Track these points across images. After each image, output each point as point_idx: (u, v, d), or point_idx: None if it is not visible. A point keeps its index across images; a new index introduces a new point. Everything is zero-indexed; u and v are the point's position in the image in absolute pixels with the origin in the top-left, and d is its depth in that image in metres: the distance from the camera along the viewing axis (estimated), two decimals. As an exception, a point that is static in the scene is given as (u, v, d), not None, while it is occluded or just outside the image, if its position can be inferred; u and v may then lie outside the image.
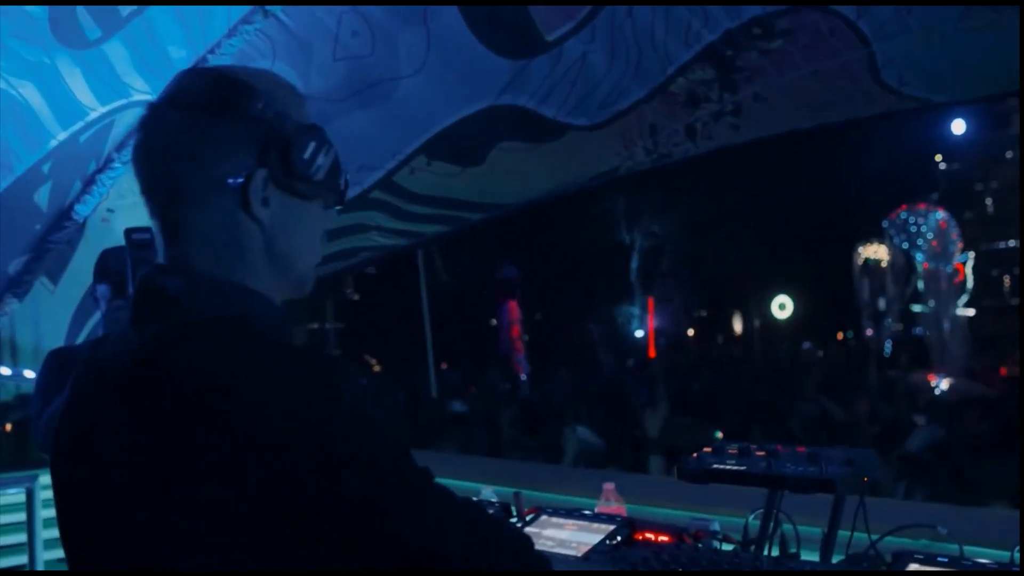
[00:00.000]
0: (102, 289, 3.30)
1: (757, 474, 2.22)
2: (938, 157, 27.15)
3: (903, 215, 18.07)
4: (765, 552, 2.31)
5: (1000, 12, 3.48)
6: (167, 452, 1.18)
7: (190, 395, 1.17)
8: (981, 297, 20.40)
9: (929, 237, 17.83)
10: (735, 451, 2.33)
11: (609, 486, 3.00)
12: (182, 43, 3.93)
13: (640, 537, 2.46)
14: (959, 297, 18.58)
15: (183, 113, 1.31)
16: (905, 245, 18.01)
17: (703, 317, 31.13)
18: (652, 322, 26.83)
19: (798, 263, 25.42)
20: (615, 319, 26.27)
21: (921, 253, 17.87)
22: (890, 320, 19.45)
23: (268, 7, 3.87)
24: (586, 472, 6.49)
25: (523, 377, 21.61)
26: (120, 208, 4.53)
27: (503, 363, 22.58)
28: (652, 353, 26.15)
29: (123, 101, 4.10)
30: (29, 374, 4.73)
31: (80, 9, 3.58)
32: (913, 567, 2.06)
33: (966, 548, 2.24)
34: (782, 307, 27.23)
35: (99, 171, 4.36)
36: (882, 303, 19.39)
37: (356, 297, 28.30)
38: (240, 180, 1.30)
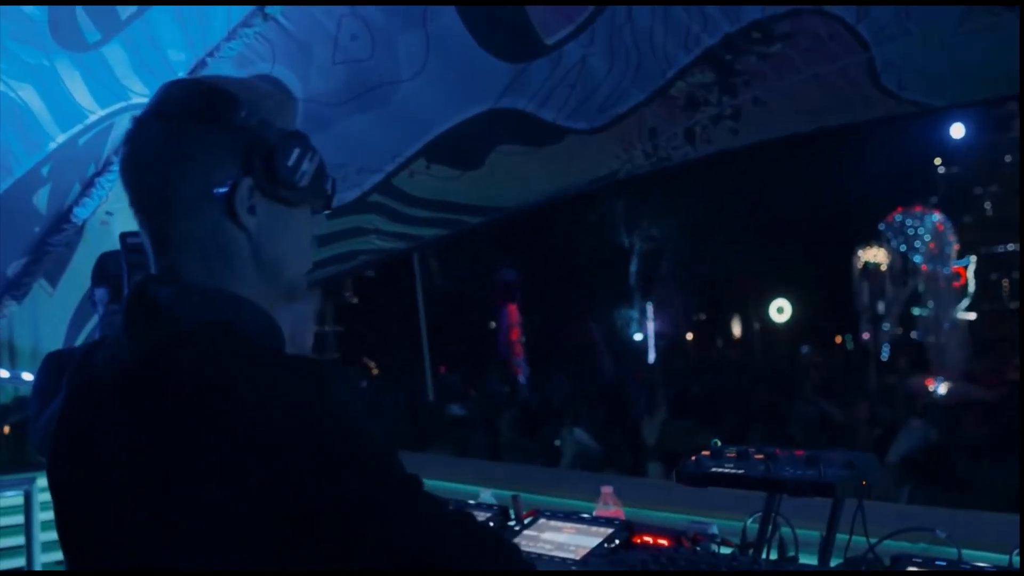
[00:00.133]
0: (100, 293, 3.31)
1: (755, 477, 2.22)
2: (937, 161, 27.12)
3: (898, 218, 18.10)
4: (763, 556, 2.31)
5: (999, 15, 3.48)
6: (159, 456, 1.20)
7: (180, 401, 1.19)
8: (981, 301, 20.38)
9: (927, 239, 17.86)
10: (733, 454, 2.33)
11: (607, 489, 2.99)
12: (181, 46, 3.93)
13: (638, 540, 2.46)
14: (960, 301, 18.60)
15: (167, 125, 1.32)
16: (903, 248, 18.03)
17: (702, 321, 31.11)
18: (651, 325, 26.84)
19: (797, 267, 25.38)
20: (614, 322, 26.27)
21: (919, 255, 17.90)
22: (889, 323, 19.45)
23: (267, 10, 3.87)
24: (584, 475, 6.49)
25: (522, 380, 21.62)
26: (119, 211, 4.53)
27: (502, 366, 22.59)
28: (651, 356, 26.16)
29: (122, 104, 4.10)
30: (27, 376, 4.73)
31: (79, 12, 3.59)
32: (912, 570, 2.06)
33: (965, 551, 2.24)
34: (780, 311, 27.19)
35: (98, 174, 4.36)
36: (881, 307, 19.40)
37: (355, 300, 28.30)
38: (226, 189, 1.31)
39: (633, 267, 26.03)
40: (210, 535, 1.17)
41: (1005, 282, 27.30)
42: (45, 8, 3.54)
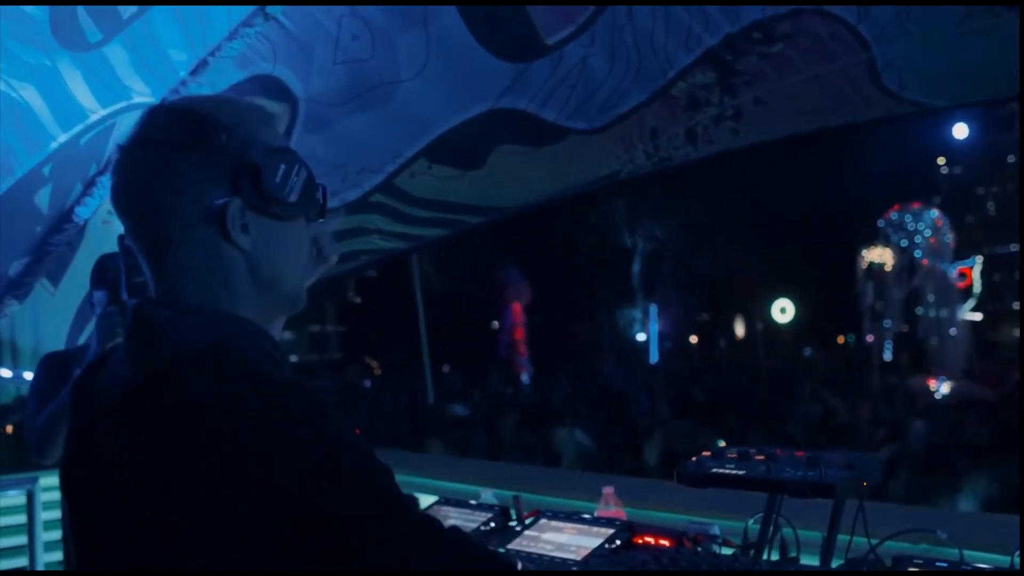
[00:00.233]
0: (98, 295, 3.31)
1: (756, 478, 2.21)
2: (940, 160, 27.12)
3: (895, 216, 18.14)
4: (764, 556, 2.30)
5: (1000, 16, 3.48)
6: (157, 478, 1.22)
7: (177, 424, 1.21)
8: (984, 301, 20.38)
9: (927, 235, 17.89)
10: (734, 455, 2.32)
11: (608, 490, 2.98)
12: (182, 46, 3.94)
13: (640, 541, 2.45)
14: (966, 301, 18.60)
15: (152, 154, 1.33)
16: (904, 243, 18.06)
17: (704, 321, 31.10)
18: (653, 326, 26.83)
19: (800, 267, 25.38)
20: (616, 323, 26.26)
21: (920, 251, 17.93)
22: (892, 323, 19.45)
23: (268, 10, 3.87)
24: (586, 476, 6.48)
25: (525, 379, 21.63)
26: (117, 214, 4.53)
27: (504, 366, 22.60)
28: (653, 357, 26.15)
29: (124, 103, 4.10)
30: (29, 376, 4.73)
31: (81, 12, 3.59)
32: (912, 571, 2.06)
33: (966, 552, 2.24)
34: (783, 311, 27.17)
35: (99, 173, 4.37)
36: (884, 306, 19.39)
37: (358, 300, 28.32)
38: (216, 212, 1.32)
39: (635, 267, 26.03)
40: (207, 554, 1.18)
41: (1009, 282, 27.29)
42: (46, 8, 3.54)
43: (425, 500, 3.07)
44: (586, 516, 2.64)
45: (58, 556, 4.77)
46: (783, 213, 23.14)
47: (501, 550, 2.53)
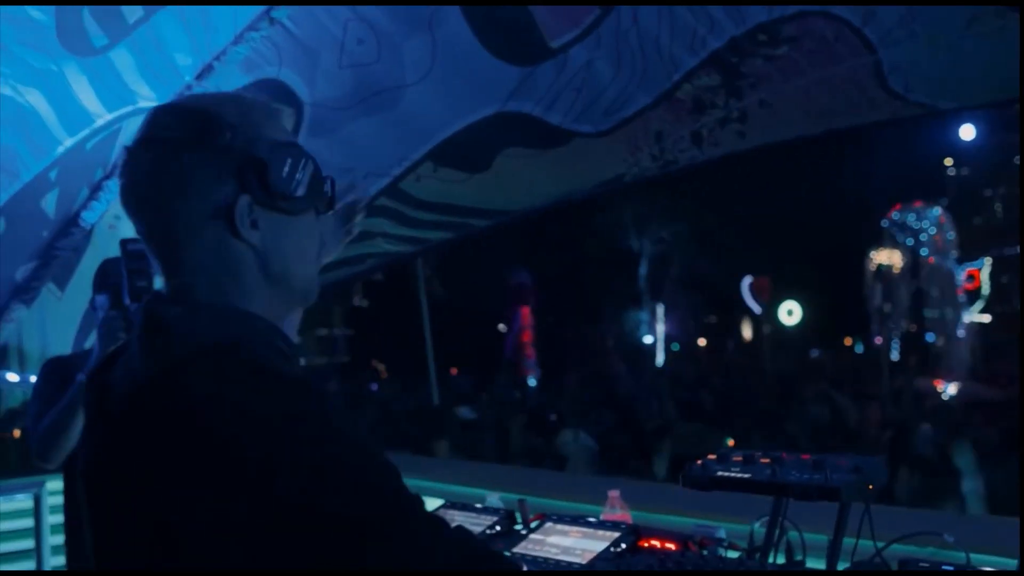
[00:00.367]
0: (100, 299, 3.32)
1: (761, 481, 2.20)
2: (948, 161, 27.05)
3: (897, 215, 18.15)
4: (770, 560, 2.30)
5: (1006, 18, 3.47)
6: (163, 476, 1.22)
7: (186, 421, 1.21)
8: (992, 303, 20.31)
9: (932, 232, 17.89)
10: (739, 458, 2.31)
11: (614, 493, 2.98)
12: (188, 50, 3.94)
13: (645, 544, 2.44)
14: (975, 303, 18.55)
15: (158, 154, 1.33)
16: (910, 242, 18.06)
17: (711, 324, 31.08)
18: (661, 328, 26.82)
19: (806, 269, 25.34)
20: (623, 325, 26.25)
21: (926, 248, 17.93)
22: (900, 324, 19.42)
23: (274, 14, 3.88)
24: (593, 479, 6.48)
25: (532, 382, 21.61)
26: (126, 215, 4.53)
27: (512, 369, 22.59)
28: (661, 359, 26.14)
29: (130, 108, 4.12)
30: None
31: (87, 16, 3.60)
32: (916, 572, 2.05)
33: (973, 556, 2.23)
34: (790, 313, 27.14)
35: (106, 178, 4.38)
36: (892, 308, 19.35)
37: (365, 304, 28.33)
38: (225, 209, 1.32)
39: (642, 270, 26.02)
40: (214, 549, 1.18)
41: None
42: (52, 13, 3.55)
43: (431, 503, 3.07)
44: (591, 519, 2.63)
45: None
46: (790, 215, 23.11)
47: (506, 553, 2.53)
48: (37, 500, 4.91)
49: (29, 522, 4.91)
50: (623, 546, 2.43)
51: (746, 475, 2.24)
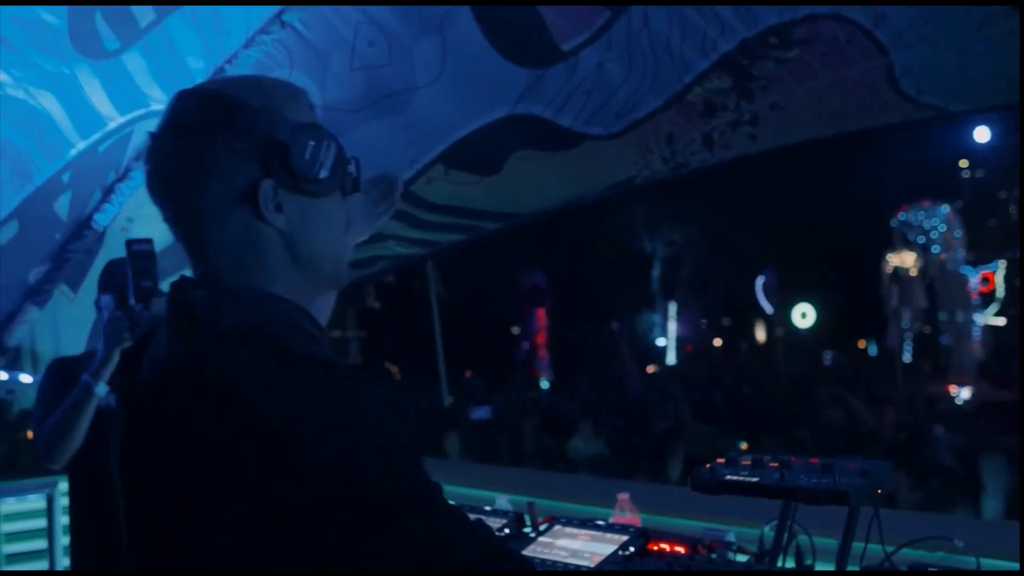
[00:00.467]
0: (106, 299, 3.33)
1: (770, 485, 2.20)
2: (963, 163, 26.92)
3: (903, 215, 18.15)
4: (779, 563, 2.29)
5: (1017, 20, 3.46)
6: (189, 459, 1.22)
7: (211, 404, 1.21)
8: (1007, 306, 20.21)
9: (942, 229, 17.88)
10: (748, 462, 2.31)
11: (624, 496, 2.98)
12: (200, 53, 3.96)
13: (654, 547, 2.44)
14: (989, 306, 18.48)
15: (181, 138, 1.33)
16: (921, 240, 18.05)
17: (724, 326, 31.01)
18: (673, 330, 26.78)
19: (820, 272, 25.26)
20: (635, 327, 26.22)
21: (937, 246, 17.91)
22: (913, 326, 19.36)
23: (285, 17, 3.89)
24: (603, 482, 6.47)
25: (545, 384, 21.61)
26: (139, 217, 4.56)
27: (525, 370, 22.59)
28: (673, 361, 26.10)
29: (142, 111, 4.13)
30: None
31: (99, 20, 3.61)
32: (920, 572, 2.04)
33: (983, 560, 2.22)
34: (804, 315, 27.05)
35: (118, 180, 4.40)
36: (906, 310, 19.29)
37: (377, 306, 28.33)
38: (248, 193, 1.32)
39: (655, 272, 26.00)
40: (237, 532, 1.18)
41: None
42: (65, 17, 3.57)
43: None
44: (600, 522, 2.63)
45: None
46: (803, 218, 23.05)
47: (516, 556, 2.53)
48: (50, 501, 4.94)
49: (42, 522, 4.93)
50: (631, 549, 2.43)
51: (754, 479, 2.24)
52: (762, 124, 4.47)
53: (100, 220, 4.47)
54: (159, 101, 4.11)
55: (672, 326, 26.90)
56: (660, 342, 26.80)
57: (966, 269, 18.27)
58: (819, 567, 2.39)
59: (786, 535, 2.32)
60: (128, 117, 4.12)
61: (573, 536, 2.58)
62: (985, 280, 18.62)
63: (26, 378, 4.98)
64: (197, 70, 4.02)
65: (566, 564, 2.43)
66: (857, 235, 21.63)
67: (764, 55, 4.03)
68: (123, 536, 1.40)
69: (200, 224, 1.34)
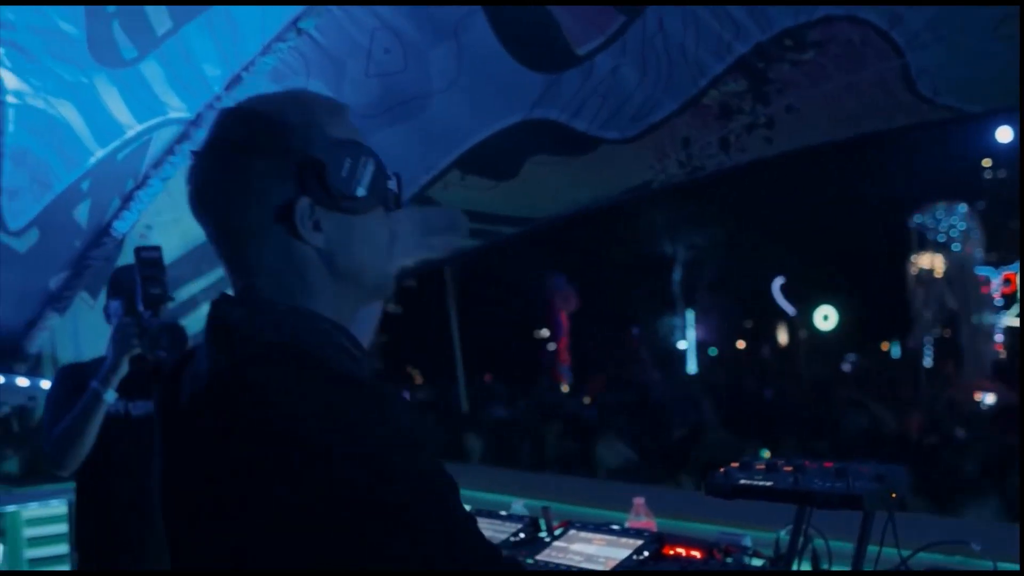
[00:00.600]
0: (114, 306, 3.33)
1: (784, 490, 2.19)
2: (986, 163, 26.73)
3: (918, 217, 18.11)
4: (794, 568, 2.28)
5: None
6: (221, 474, 1.24)
7: (244, 420, 1.22)
8: (1025, 306, 20.10)
9: (961, 228, 17.82)
10: (762, 466, 2.30)
11: (639, 500, 2.97)
12: (216, 61, 3.98)
13: (670, 552, 2.44)
14: (1011, 307, 18.38)
15: (220, 158, 1.35)
16: (941, 238, 18.00)
17: (747, 328, 30.91)
18: (694, 334, 26.71)
19: (842, 274, 25.15)
20: (656, 331, 26.16)
21: (958, 244, 17.86)
22: (935, 328, 19.27)
23: (301, 25, 3.91)
24: (624, 486, 6.46)
25: (566, 388, 21.59)
26: (158, 224, 4.59)
27: (548, 375, 22.58)
28: (694, 365, 26.03)
29: (160, 119, 4.16)
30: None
31: (116, 29, 3.65)
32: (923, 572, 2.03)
33: (1000, 564, 2.21)
34: (826, 318, 26.92)
35: (137, 188, 4.43)
36: (929, 312, 19.20)
37: (399, 310, 28.40)
38: (286, 211, 1.32)
39: (676, 276, 25.93)
40: (267, 542, 1.20)
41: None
42: (83, 26, 3.60)
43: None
44: (615, 527, 2.63)
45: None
46: (824, 220, 22.97)
47: (530, 561, 2.53)
48: (71, 506, 4.97)
49: (63, 527, 4.97)
50: (646, 554, 2.42)
51: (768, 483, 2.23)
52: (778, 127, 4.46)
53: (119, 227, 4.50)
54: (176, 109, 4.15)
55: (691, 332, 26.83)
56: (681, 345, 26.73)
57: (987, 270, 18.18)
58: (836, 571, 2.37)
59: (801, 539, 2.30)
60: (146, 125, 4.15)
61: (588, 540, 2.58)
62: (1007, 281, 18.50)
63: (47, 384, 5.02)
64: (214, 78, 4.05)
65: (580, 568, 2.43)
66: (878, 236, 21.54)
67: (779, 58, 4.02)
68: (162, 548, 1.42)
69: (239, 243, 1.35)
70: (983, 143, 19.37)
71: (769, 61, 4.04)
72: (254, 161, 1.32)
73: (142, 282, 3.13)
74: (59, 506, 4.99)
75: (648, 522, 2.89)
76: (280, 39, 3.97)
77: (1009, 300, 18.47)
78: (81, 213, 4.37)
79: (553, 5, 3.95)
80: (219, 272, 4.88)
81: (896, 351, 26.40)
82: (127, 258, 4.64)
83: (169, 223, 4.63)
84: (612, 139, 4.61)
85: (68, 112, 3.90)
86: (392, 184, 1.41)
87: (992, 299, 18.18)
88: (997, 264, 18.68)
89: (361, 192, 1.35)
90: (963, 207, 18.10)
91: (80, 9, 3.56)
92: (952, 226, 17.82)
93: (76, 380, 3.26)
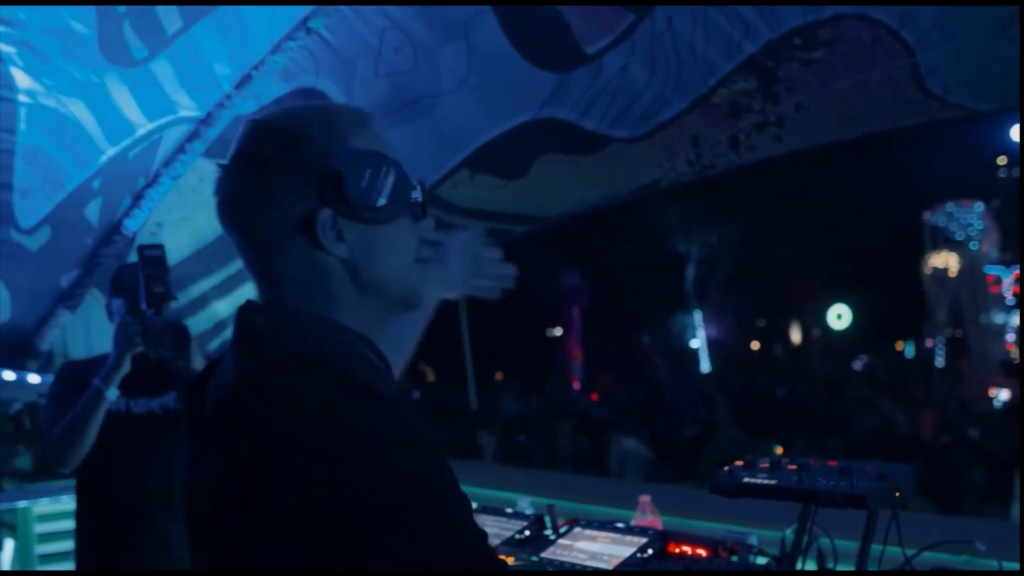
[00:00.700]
0: (116, 304, 3.34)
1: (788, 488, 2.19)
2: (1001, 160, 26.60)
3: (938, 213, 18.08)
4: (799, 566, 2.28)
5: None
6: (238, 484, 1.24)
7: (272, 425, 1.23)
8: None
9: (979, 226, 17.77)
10: (767, 465, 2.31)
11: (645, 498, 2.97)
12: (226, 60, 4.00)
13: (675, 550, 2.44)
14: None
15: (243, 170, 1.37)
16: (960, 236, 17.96)
17: (760, 327, 30.82)
18: (705, 334, 26.66)
19: (856, 273, 25.05)
20: (667, 330, 26.12)
21: (976, 243, 17.81)
22: (947, 328, 19.22)
23: (310, 24, 3.92)
24: (633, 485, 6.46)
25: (577, 387, 21.59)
26: (168, 223, 4.62)
27: (559, 373, 22.57)
28: (706, 363, 25.98)
29: (170, 117, 4.19)
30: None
31: (127, 29, 3.67)
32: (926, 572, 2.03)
33: (1005, 564, 2.20)
34: (839, 317, 26.82)
35: (147, 186, 4.45)
36: (943, 311, 19.13)
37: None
38: (308, 223, 1.33)
39: (689, 274, 25.88)
40: (283, 547, 1.20)
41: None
42: (94, 26, 3.62)
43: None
44: (620, 525, 2.64)
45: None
46: (837, 219, 22.89)
47: (534, 559, 2.54)
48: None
49: (73, 524, 4.98)
50: (651, 552, 2.43)
51: (772, 482, 2.23)
52: (788, 126, 4.45)
53: (130, 225, 4.53)
54: (187, 108, 4.17)
55: (701, 332, 26.78)
56: (693, 344, 26.68)
57: (998, 268, 18.12)
58: (841, 570, 2.37)
59: (806, 538, 2.31)
60: (157, 124, 4.17)
61: (593, 538, 2.58)
62: (1018, 280, 18.45)
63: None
64: (224, 77, 4.07)
65: (585, 566, 2.43)
66: (891, 235, 21.45)
67: (789, 56, 4.02)
68: (162, 548, 1.43)
69: (264, 254, 1.36)
70: (997, 141, 19.25)
71: (779, 60, 4.03)
72: (276, 173, 1.34)
73: (145, 280, 3.14)
74: (70, 502, 4.99)
75: (654, 520, 2.89)
76: (290, 38, 3.99)
77: (1021, 299, 18.40)
78: (92, 211, 4.40)
79: (562, 4, 3.96)
80: (229, 270, 4.91)
81: (910, 351, 26.31)
82: (138, 256, 4.68)
83: (179, 221, 4.65)
84: (621, 138, 4.60)
85: (79, 111, 3.92)
86: (416, 194, 1.41)
87: (1004, 298, 18.10)
88: (1009, 263, 18.61)
89: (382, 202, 1.35)
90: (980, 205, 18.04)
91: (91, 9, 3.58)
92: (969, 224, 17.76)
93: (78, 378, 3.27)
